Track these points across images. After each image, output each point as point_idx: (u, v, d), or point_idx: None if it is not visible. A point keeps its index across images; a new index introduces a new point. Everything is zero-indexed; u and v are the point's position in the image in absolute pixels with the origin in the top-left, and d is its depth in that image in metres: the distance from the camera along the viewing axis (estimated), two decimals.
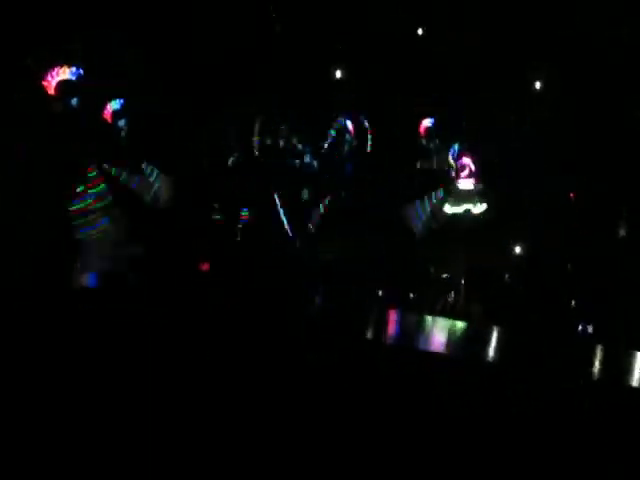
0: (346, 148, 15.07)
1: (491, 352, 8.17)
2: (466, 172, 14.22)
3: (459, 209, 14.14)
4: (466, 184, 14.19)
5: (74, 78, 12.42)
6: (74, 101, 12.52)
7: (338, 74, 15.13)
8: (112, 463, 5.09)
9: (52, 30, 12.10)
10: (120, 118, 13.16)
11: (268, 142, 14.42)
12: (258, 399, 6.03)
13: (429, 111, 14.74)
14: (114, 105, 13.04)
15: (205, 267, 11.09)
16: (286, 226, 13.84)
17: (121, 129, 13.18)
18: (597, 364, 7.86)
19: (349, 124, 15.04)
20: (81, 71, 12.43)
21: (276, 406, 6.03)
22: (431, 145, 14.81)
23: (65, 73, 12.36)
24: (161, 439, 5.53)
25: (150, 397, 6.02)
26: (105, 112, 12.97)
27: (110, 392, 6.13)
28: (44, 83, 12.24)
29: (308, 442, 5.56)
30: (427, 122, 14.84)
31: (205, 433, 5.70)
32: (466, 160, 14.24)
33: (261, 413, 5.90)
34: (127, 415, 5.85)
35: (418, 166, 14.85)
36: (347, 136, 15.08)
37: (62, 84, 12.37)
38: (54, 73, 12.28)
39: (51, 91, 12.31)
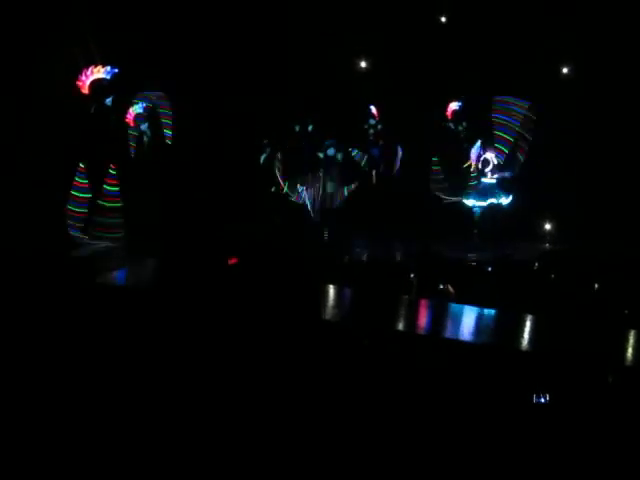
0: (371, 132, 15.04)
1: (523, 339, 8.13)
2: (490, 167, 14.20)
3: (483, 203, 14.14)
4: (489, 178, 14.18)
5: (108, 77, 12.32)
6: (108, 101, 12.44)
7: (362, 64, 15.12)
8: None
9: (86, 29, 12.09)
10: (143, 122, 13.14)
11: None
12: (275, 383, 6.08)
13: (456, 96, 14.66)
14: (136, 109, 13.01)
15: (233, 261, 11.09)
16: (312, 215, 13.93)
17: (143, 133, 13.16)
18: (630, 349, 7.79)
19: (373, 109, 15.00)
20: (115, 70, 12.33)
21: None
22: (459, 128, 14.71)
23: (99, 72, 12.25)
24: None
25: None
26: (128, 116, 12.93)
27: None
28: (78, 82, 12.14)
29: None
30: (455, 105, 14.75)
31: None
32: (489, 155, 14.20)
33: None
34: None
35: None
36: (371, 120, 15.05)
37: (96, 83, 12.28)
38: (88, 72, 12.17)
39: (85, 90, 12.22)
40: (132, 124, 12.87)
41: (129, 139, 12.87)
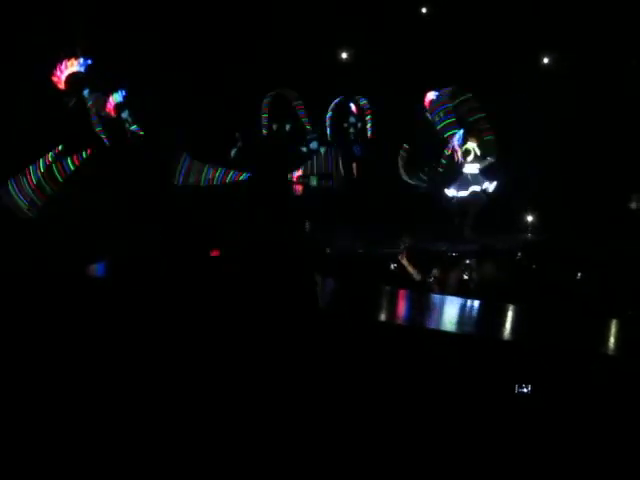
0: (351, 130, 15.05)
1: (505, 329, 8.12)
2: (471, 157, 14.15)
3: (465, 193, 14.07)
4: (471, 169, 14.12)
5: (83, 69, 12.28)
6: (86, 92, 12.40)
7: (343, 55, 15.10)
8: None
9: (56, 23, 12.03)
10: (123, 110, 13.07)
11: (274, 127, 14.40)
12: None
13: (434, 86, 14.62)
14: (116, 98, 12.94)
15: (215, 253, 11.07)
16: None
17: (125, 120, 13.09)
18: (612, 339, 7.81)
19: (352, 106, 15.00)
20: (89, 61, 12.29)
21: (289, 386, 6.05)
22: (436, 118, 14.68)
23: (73, 65, 12.20)
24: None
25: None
26: (108, 105, 12.86)
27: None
28: (54, 78, 12.09)
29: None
30: (432, 95, 14.71)
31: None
32: (471, 145, 14.15)
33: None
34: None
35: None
36: (351, 118, 15.06)
37: (72, 77, 12.22)
38: (62, 67, 12.12)
39: (62, 86, 12.16)
40: (113, 113, 12.82)
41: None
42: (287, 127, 14.60)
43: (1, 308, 7.51)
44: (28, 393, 5.81)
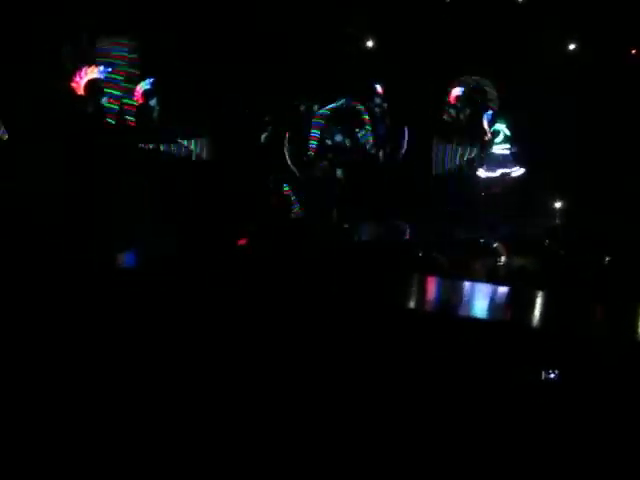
0: (377, 110, 14.92)
1: (533, 316, 8.10)
2: (500, 137, 14.04)
3: (494, 174, 13.96)
4: (501, 149, 14.01)
5: (102, 76, 12.45)
6: (104, 100, 12.56)
7: (369, 43, 15.02)
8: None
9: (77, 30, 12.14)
10: (152, 97, 13.14)
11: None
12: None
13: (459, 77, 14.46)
14: (144, 85, 13.02)
15: (242, 242, 11.12)
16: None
17: (153, 108, 13.16)
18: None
19: (378, 87, 14.87)
20: (109, 69, 12.46)
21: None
22: (461, 115, 14.54)
23: (93, 72, 12.38)
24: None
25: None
26: (136, 93, 12.95)
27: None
28: (73, 84, 12.26)
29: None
30: (457, 91, 14.55)
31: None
32: (500, 125, 14.03)
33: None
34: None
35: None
36: (376, 99, 14.92)
37: (91, 83, 12.39)
38: (82, 73, 12.30)
39: (80, 91, 12.34)
40: (141, 101, 12.92)
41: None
42: (315, 107, 14.52)
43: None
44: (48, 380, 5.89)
